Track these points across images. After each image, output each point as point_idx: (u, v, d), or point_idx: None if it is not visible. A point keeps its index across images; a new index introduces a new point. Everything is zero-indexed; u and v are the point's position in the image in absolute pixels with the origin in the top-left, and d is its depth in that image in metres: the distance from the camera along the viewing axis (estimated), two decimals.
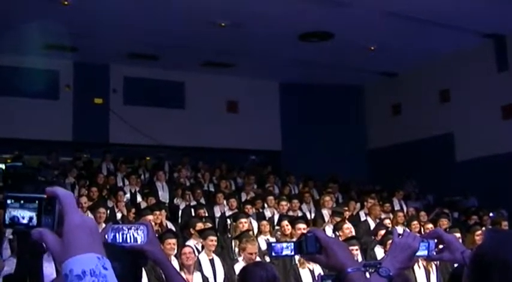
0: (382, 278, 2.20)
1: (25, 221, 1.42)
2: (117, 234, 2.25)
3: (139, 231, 2.30)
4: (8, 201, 1.42)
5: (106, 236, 2.22)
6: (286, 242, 2.36)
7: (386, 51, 17.71)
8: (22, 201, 1.43)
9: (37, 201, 1.42)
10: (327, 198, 14.05)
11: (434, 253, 2.58)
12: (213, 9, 14.67)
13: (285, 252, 2.30)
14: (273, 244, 2.33)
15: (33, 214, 1.42)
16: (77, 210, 1.40)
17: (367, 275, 2.24)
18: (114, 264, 1.47)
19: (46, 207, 1.41)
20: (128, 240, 2.27)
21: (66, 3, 13.86)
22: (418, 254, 2.39)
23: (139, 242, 2.29)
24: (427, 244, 2.48)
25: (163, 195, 15.19)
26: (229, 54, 18.04)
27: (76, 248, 1.33)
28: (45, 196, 1.42)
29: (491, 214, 14.55)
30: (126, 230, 2.28)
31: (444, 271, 9.55)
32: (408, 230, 11.40)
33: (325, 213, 13.23)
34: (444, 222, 13.11)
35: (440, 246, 2.62)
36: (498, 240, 1.99)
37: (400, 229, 12.24)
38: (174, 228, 11.55)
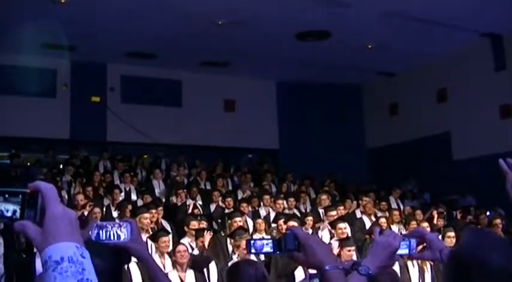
0: (362, 276, 2.20)
1: (9, 214, 1.47)
2: (100, 232, 2.26)
3: (122, 228, 2.31)
4: None
5: (90, 233, 2.23)
6: (266, 239, 2.36)
7: (384, 50, 17.69)
8: (6, 195, 1.48)
9: (20, 196, 1.47)
10: (324, 197, 14.03)
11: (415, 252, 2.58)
12: (210, 8, 14.66)
13: (265, 249, 2.30)
14: (252, 241, 2.33)
15: (17, 207, 1.47)
16: (58, 202, 1.45)
17: None
18: (97, 261, 1.50)
19: (29, 201, 1.47)
20: (112, 238, 2.28)
21: (63, 1, 13.85)
22: (399, 252, 2.39)
23: (122, 239, 2.30)
24: (409, 243, 2.48)
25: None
26: (226, 53, 18.02)
27: (56, 237, 1.39)
28: (28, 190, 1.47)
29: (488, 213, 14.53)
30: (110, 227, 2.30)
31: (438, 270, 9.55)
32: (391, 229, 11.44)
33: (322, 211, 13.22)
34: (440, 221, 13.17)
35: (424, 245, 2.63)
36: (475, 240, 2.00)
37: (395, 228, 12.27)
38: (169, 226, 11.58)
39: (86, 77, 18.54)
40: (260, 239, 2.34)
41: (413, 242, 2.50)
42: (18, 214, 1.47)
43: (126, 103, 19.32)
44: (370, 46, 17.62)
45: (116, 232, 2.30)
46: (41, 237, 1.40)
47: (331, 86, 21.08)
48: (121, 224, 2.33)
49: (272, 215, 13.05)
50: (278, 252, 2.28)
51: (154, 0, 14.11)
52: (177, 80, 20.22)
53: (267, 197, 14.17)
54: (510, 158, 2.87)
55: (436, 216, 13.64)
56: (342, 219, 11.35)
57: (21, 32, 14.60)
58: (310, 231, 11.39)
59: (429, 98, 19.67)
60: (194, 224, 10.44)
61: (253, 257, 8.57)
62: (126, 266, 7.68)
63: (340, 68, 19.25)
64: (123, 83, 19.54)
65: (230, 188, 16.43)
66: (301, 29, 16.32)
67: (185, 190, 14.41)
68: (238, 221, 11.11)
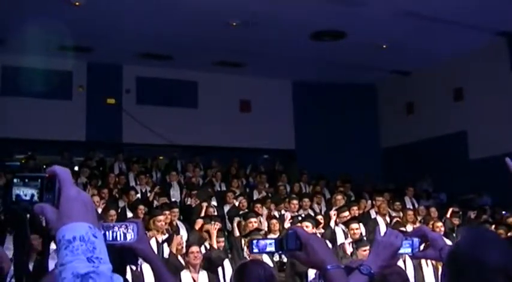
0: (363, 275, 2.21)
1: (28, 198, 1.55)
2: (107, 232, 2.28)
3: (129, 229, 2.33)
4: (15, 180, 1.57)
5: None
6: (268, 238, 2.38)
7: (398, 49, 17.65)
8: (26, 180, 1.57)
9: (39, 180, 1.56)
10: (339, 197, 13.98)
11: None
12: (224, 9, 14.70)
13: (268, 249, 2.33)
14: (255, 241, 2.35)
15: (35, 191, 1.55)
16: (73, 185, 1.54)
17: None
18: None
19: (47, 185, 1.55)
20: (118, 238, 2.30)
21: (77, 4, 13.95)
22: (401, 251, 2.39)
23: (129, 239, 2.32)
24: (411, 242, 2.47)
25: (176, 194, 15.24)
26: (241, 53, 18.04)
27: (70, 217, 1.46)
28: (46, 175, 1.55)
29: (504, 212, 14.43)
30: (116, 228, 2.32)
31: None
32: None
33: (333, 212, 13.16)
34: (455, 221, 13.11)
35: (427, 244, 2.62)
36: (473, 239, 2.00)
37: (410, 228, 12.21)
38: (184, 228, 11.62)
39: (101, 78, 18.66)
40: (263, 239, 2.37)
41: (416, 241, 2.49)
42: (36, 198, 1.54)
43: (142, 104, 19.39)
44: (384, 46, 17.55)
45: (122, 233, 2.32)
46: (58, 218, 1.48)
47: (347, 85, 21.05)
48: (127, 224, 2.35)
49: (286, 216, 13.03)
50: (280, 251, 2.30)
51: (169, 1, 14.18)
52: (193, 81, 20.25)
53: (282, 205, 14.07)
54: None
55: (450, 214, 13.58)
56: (355, 219, 11.33)
57: (37, 34, 14.70)
58: (323, 231, 11.39)
59: (445, 97, 19.58)
60: (207, 227, 10.43)
61: (267, 258, 8.60)
62: (139, 267, 7.72)
63: (355, 67, 19.21)
64: (138, 85, 19.62)
65: (245, 189, 16.42)
66: (316, 29, 16.29)
67: (194, 191, 14.44)
68: (254, 221, 11.12)
